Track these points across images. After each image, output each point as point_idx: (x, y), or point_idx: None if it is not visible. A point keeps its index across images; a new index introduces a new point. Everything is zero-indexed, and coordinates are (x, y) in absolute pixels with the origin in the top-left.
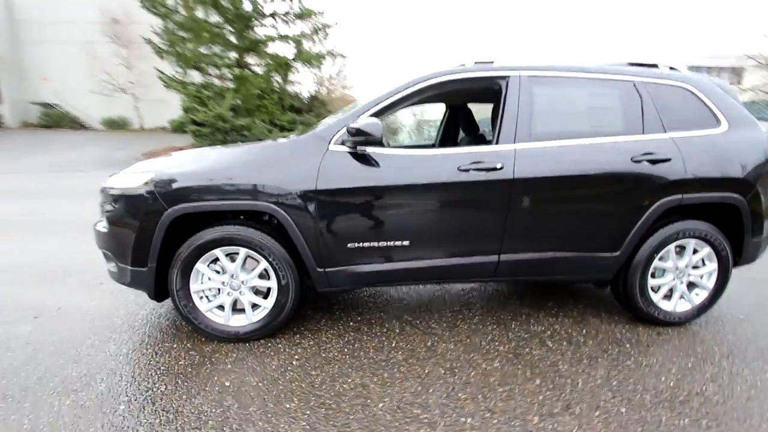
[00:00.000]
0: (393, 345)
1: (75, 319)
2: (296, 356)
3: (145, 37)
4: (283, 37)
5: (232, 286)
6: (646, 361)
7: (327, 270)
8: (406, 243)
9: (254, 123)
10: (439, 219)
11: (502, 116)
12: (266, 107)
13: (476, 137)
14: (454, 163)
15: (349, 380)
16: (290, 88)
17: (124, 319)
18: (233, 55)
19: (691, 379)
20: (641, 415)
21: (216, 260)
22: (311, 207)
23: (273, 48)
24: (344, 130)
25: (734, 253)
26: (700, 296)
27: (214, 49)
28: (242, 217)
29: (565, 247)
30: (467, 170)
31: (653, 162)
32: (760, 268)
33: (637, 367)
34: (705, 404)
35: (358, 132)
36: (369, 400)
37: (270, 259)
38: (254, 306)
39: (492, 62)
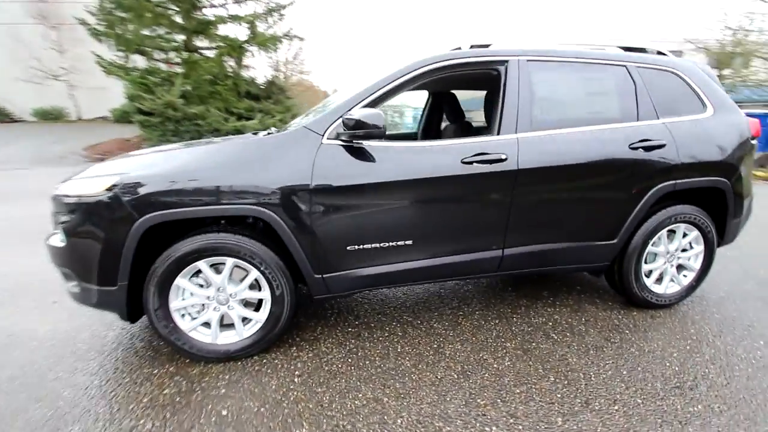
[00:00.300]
0: (398, 350)
1: (31, 347)
2: (297, 372)
3: (78, 18)
4: (235, 18)
5: (218, 300)
6: (648, 346)
7: (325, 276)
8: (409, 242)
9: (208, 111)
10: (442, 215)
11: (503, 104)
12: (220, 94)
13: (462, 125)
14: (456, 155)
15: (360, 395)
16: (245, 73)
17: (89, 343)
18: (180, 37)
19: (693, 362)
20: (657, 405)
21: (198, 273)
22: (306, 208)
23: (224, 30)
24: (339, 122)
25: (717, 234)
26: (687, 277)
27: (159, 30)
28: (222, 222)
29: (566, 238)
30: (471, 162)
31: (649, 149)
32: (731, 244)
33: (641, 354)
34: (712, 388)
35: (357, 124)
36: (386, 416)
37: (262, 268)
38: (244, 320)
39: (488, 46)
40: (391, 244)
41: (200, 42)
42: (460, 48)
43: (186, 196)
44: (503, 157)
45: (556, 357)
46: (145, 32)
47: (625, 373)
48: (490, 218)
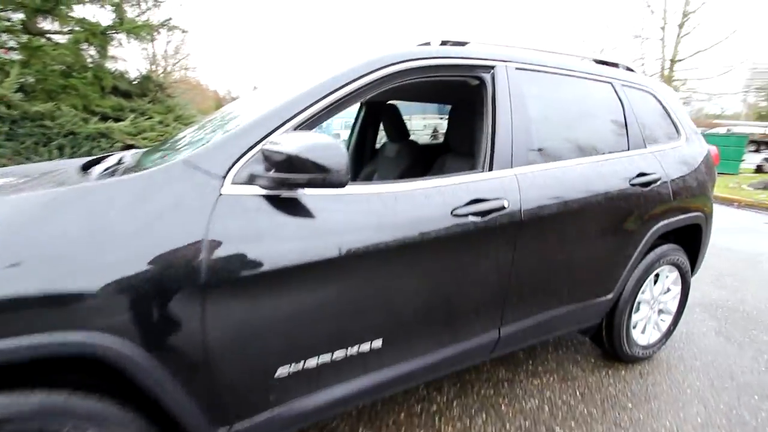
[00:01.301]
0: None
1: None
2: None
3: None
4: None
5: None
6: (661, 426)
7: (236, 426)
8: (377, 343)
9: (59, 109)
10: (424, 295)
11: (493, 126)
12: (76, 89)
13: (407, 144)
14: (443, 203)
15: None
16: (112, 66)
17: None
18: (19, 16)
19: None
20: None
21: None
22: (195, 317)
23: (82, 12)
24: (255, 153)
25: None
26: (665, 322)
27: None
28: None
29: (567, 300)
30: (466, 215)
31: (647, 184)
32: None
33: None
34: None
35: (292, 162)
36: None
37: None
38: None
39: (466, 43)
40: (349, 351)
41: (49, 24)
42: (429, 43)
43: None
44: (504, 204)
45: None
46: None
47: None
48: (486, 290)
